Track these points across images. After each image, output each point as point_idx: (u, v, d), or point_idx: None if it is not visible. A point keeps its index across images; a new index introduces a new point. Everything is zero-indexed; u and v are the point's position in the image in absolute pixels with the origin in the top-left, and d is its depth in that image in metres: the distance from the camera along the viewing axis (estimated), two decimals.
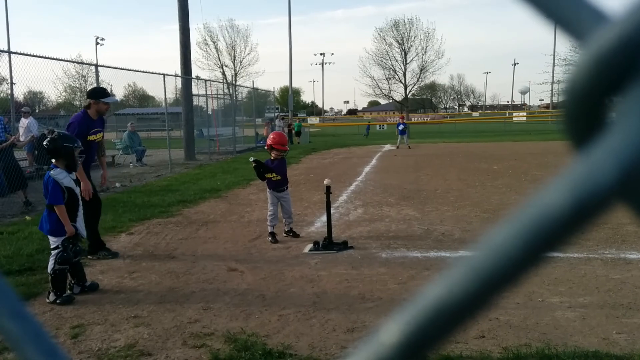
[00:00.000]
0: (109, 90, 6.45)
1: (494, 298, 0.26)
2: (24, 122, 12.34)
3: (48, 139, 4.78)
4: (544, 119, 50.87)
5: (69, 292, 4.49)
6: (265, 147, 6.67)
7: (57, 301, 4.34)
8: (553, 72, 50.19)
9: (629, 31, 0.22)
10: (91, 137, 5.67)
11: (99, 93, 6.00)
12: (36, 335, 0.39)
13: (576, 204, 0.23)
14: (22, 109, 12.54)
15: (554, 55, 49.73)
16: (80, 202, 4.83)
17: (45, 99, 38.21)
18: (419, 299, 0.27)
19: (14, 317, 0.39)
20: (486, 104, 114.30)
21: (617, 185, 0.23)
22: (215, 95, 22.71)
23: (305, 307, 4.13)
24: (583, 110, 0.24)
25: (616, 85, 0.23)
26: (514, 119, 52.40)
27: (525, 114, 62.35)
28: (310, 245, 5.91)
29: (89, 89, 6.15)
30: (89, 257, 5.55)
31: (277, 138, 6.57)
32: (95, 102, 5.80)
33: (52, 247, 4.50)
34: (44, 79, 10.10)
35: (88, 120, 5.75)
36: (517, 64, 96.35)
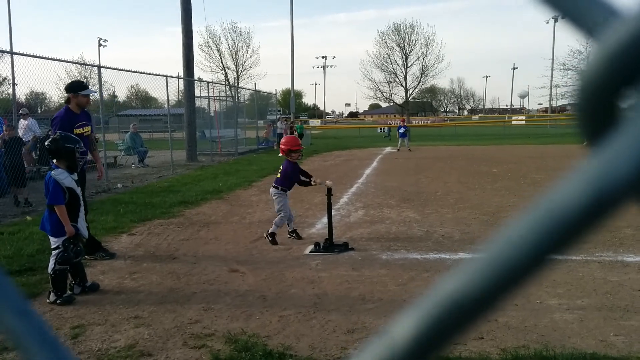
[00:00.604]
0: (86, 83, 6.49)
1: (510, 292, 0.25)
2: (23, 123, 12.42)
3: (50, 139, 4.81)
4: (543, 123, 50.86)
5: (69, 292, 4.51)
6: (281, 154, 6.61)
7: (58, 301, 4.36)
8: (552, 77, 50.13)
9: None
10: (77, 131, 5.66)
11: (77, 86, 6.02)
12: (40, 333, 0.39)
13: (592, 199, 0.23)
14: (20, 111, 12.62)
15: (553, 59, 49.71)
16: (82, 203, 4.85)
17: (47, 100, 38.30)
18: (434, 293, 0.26)
19: (17, 314, 0.39)
20: (486, 107, 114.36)
21: (633, 181, 0.23)
22: (218, 97, 22.77)
23: (306, 308, 4.15)
24: (597, 105, 0.24)
25: (630, 80, 0.23)
26: (513, 122, 52.33)
27: (524, 117, 62.30)
28: (311, 247, 5.93)
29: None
30: (86, 257, 5.58)
31: (292, 140, 6.68)
32: (74, 96, 5.83)
33: (52, 247, 4.53)
34: (46, 80, 10.12)
35: (70, 115, 5.77)
36: (517, 68, 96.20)
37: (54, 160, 4.74)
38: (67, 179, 4.64)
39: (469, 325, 0.26)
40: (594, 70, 0.23)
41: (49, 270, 4.47)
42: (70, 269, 4.54)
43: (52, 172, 4.63)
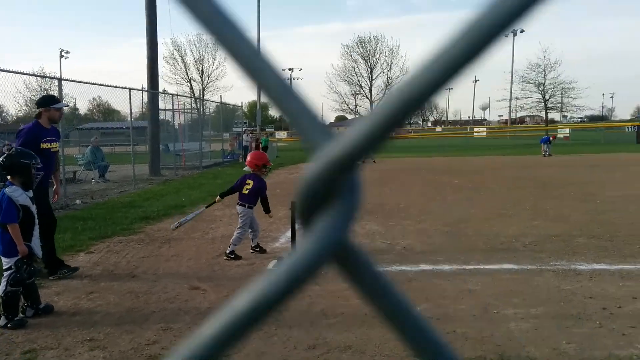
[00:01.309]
0: (58, 98, 6.36)
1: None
2: None
3: (4, 155, 4.66)
4: (503, 134, 52.39)
5: (21, 315, 4.35)
6: (252, 169, 6.43)
7: (8, 325, 4.19)
8: (511, 89, 51.97)
9: (336, 153, 0.35)
10: (44, 145, 5.51)
11: (49, 100, 5.90)
12: None
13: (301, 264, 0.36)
14: None
15: (512, 73, 51.54)
16: (37, 221, 4.70)
17: (4, 113, 37.02)
18: (234, 302, 0.37)
19: None
20: (449, 119, 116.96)
21: (330, 252, 0.37)
22: (183, 110, 22.50)
23: (267, 325, 4.13)
24: (312, 201, 0.35)
25: (333, 183, 0.35)
26: (475, 134, 53.58)
27: (485, 129, 63.94)
28: (274, 261, 5.92)
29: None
30: (50, 278, 5.41)
31: (266, 156, 6.79)
32: (46, 110, 5.68)
33: (4, 268, 4.36)
34: (4, 92, 9.82)
35: (39, 129, 5.61)
36: (478, 80, 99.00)
37: (8, 177, 4.59)
38: (21, 197, 4.50)
39: (245, 333, 0.37)
40: (313, 174, 0.35)
41: (0, 292, 4.30)
42: (22, 290, 4.38)
43: (6, 189, 4.48)
